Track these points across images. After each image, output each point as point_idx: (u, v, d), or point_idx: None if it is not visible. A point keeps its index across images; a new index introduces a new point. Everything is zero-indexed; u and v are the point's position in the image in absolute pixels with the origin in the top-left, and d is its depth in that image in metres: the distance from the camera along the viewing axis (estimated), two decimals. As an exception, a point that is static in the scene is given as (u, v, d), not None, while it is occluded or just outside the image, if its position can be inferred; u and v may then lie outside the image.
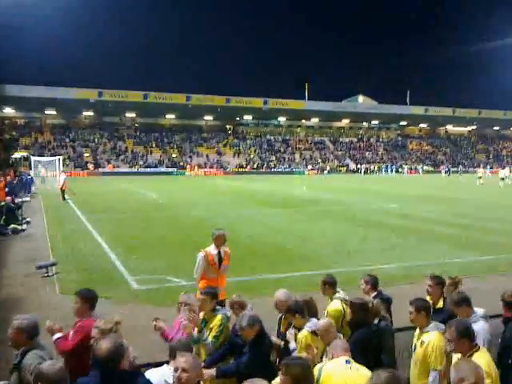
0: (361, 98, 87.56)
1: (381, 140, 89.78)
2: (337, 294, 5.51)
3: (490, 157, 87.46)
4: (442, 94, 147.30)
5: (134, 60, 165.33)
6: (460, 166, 76.89)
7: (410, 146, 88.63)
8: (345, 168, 76.26)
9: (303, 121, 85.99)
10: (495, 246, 14.20)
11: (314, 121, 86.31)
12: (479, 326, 4.56)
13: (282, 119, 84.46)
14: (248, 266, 11.41)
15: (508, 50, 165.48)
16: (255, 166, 72.11)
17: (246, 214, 21.79)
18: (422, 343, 4.36)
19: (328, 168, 72.61)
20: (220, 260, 7.19)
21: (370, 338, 4.52)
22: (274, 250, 13.63)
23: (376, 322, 4.80)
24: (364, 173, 70.10)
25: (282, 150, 79.47)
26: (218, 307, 5.19)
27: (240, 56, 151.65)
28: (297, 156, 77.94)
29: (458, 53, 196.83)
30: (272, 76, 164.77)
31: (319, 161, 76.89)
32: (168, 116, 77.39)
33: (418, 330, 4.56)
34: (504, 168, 52.00)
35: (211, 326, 4.91)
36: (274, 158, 75.91)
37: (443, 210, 23.43)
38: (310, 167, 72.74)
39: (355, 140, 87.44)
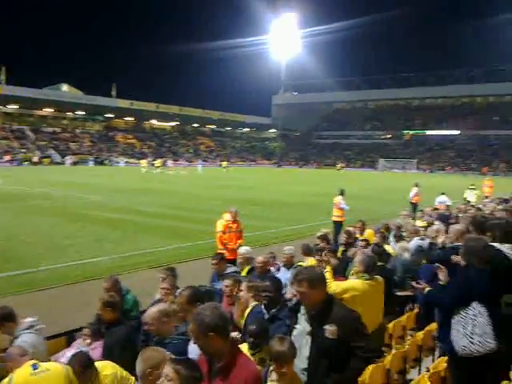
0: (65, 87, 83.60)
1: (87, 131, 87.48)
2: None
3: (191, 151, 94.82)
4: (147, 89, 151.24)
5: None
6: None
7: (116, 139, 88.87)
8: (49, 159, 71.56)
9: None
10: (198, 233, 15.47)
11: (13, 107, 78.18)
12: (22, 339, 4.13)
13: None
14: None
15: (212, 53, 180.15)
16: None
17: None
18: None
19: (36, 159, 66.86)
20: None
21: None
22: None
23: None
24: (72, 164, 67.14)
25: (-27, 137, 69.52)
26: None
27: None
28: (-9, 145, 69.29)
29: (165, 52, 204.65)
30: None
31: (21, 151, 70.11)
32: None
33: None
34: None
35: None
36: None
37: (154, 201, 24.28)
38: (7, 158, 65.51)
39: (59, 130, 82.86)
